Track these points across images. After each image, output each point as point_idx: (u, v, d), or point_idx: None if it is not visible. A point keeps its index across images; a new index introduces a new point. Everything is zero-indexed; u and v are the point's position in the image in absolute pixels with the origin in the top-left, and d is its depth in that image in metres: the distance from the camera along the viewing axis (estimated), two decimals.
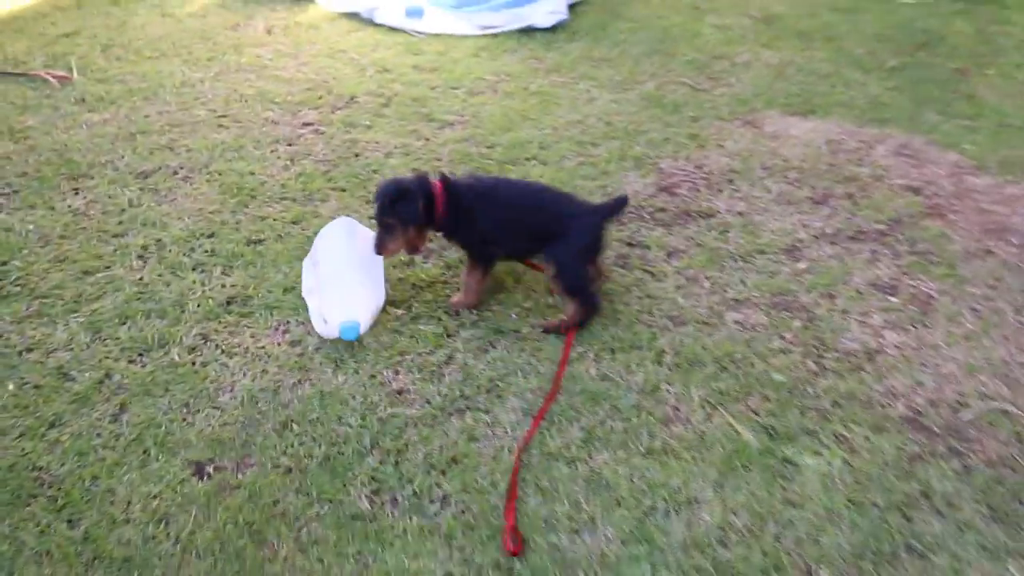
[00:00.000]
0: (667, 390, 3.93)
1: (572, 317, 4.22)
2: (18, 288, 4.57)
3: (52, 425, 3.70)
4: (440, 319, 4.34)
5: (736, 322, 4.37)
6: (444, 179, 4.15)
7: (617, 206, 4.26)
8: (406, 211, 4.03)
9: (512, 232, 4.19)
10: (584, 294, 4.18)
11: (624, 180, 5.60)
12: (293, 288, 4.50)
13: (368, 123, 6.33)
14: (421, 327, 4.28)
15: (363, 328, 4.12)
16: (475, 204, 4.13)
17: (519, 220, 4.16)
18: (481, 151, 5.95)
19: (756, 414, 3.81)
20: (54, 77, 7.35)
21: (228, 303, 4.41)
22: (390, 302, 4.41)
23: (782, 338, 4.26)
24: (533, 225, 4.15)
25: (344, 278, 4.21)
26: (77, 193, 5.46)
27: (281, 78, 7.20)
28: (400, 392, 3.89)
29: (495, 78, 7.19)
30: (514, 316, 4.38)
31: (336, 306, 4.10)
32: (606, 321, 4.33)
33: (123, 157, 5.88)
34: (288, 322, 4.29)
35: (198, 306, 4.39)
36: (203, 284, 4.55)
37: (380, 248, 4.08)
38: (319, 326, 4.13)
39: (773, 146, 6.05)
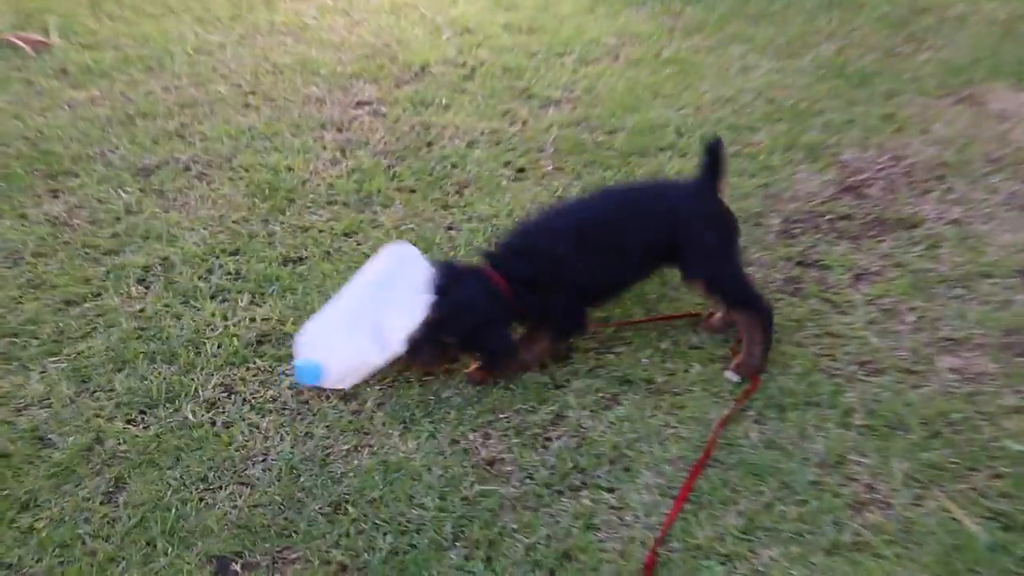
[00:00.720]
0: (858, 463, 3.87)
1: (756, 341, 4.27)
2: None
3: (25, 507, 3.76)
4: (544, 365, 4.34)
5: (952, 370, 4.30)
6: (490, 259, 4.21)
7: (713, 162, 4.23)
8: (493, 341, 4.16)
9: (615, 262, 4.22)
10: (754, 297, 4.27)
11: (794, 178, 5.56)
12: None
13: (444, 101, 6.39)
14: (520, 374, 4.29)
15: (328, 377, 4.20)
16: (554, 250, 4.15)
17: (619, 240, 4.17)
18: (597, 138, 5.97)
19: (983, 496, 3.73)
20: (26, 43, 7.56)
21: (258, 343, 4.46)
22: None
23: (1018, 392, 4.18)
24: (640, 238, 4.18)
25: (345, 310, 4.34)
26: (56, 196, 5.59)
27: (328, 42, 7.31)
28: (491, 463, 3.89)
29: (616, 41, 7.22)
30: (645, 361, 4.36)
31: (309, 337, 4.27)
32: (772, 368, 4.29)
33: (117, 148, 6.01)
34: None
35: (218, 347, 4.45)
36: (225, 318, 4.62)
37: (413, 359, 4.19)
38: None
39: (1001, 130, 5.96)
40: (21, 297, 4.81)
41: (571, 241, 4.17)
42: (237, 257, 5.02)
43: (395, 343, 4.25)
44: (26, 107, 6.64)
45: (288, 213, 5.33)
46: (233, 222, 5.27)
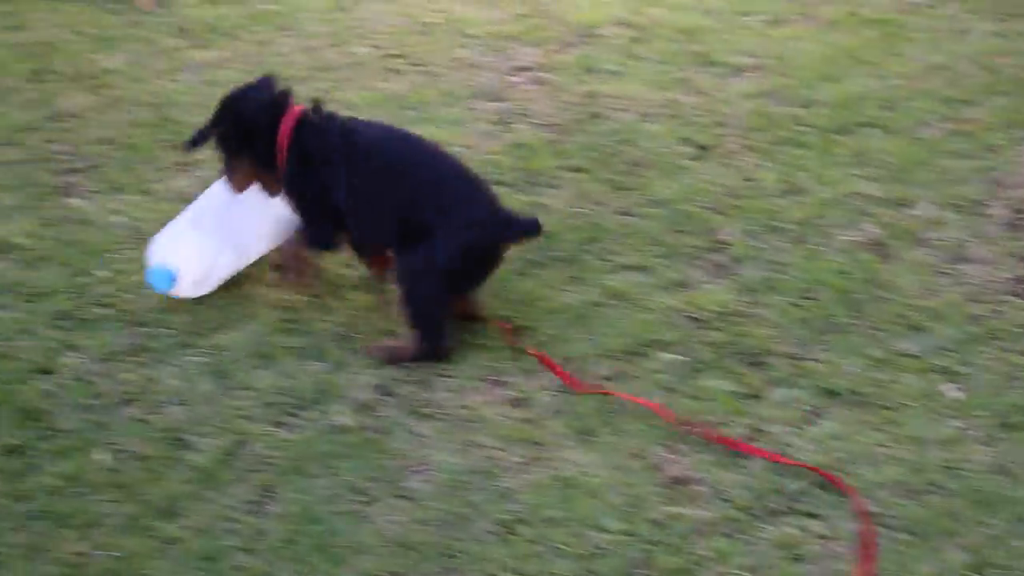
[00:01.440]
0: None
1: (401, 348, 4.51)
2: (106, 310, 4.85)
3: (164, 514, 3.89)
4: (738, 373, 4.38)
5: None
6: (312, 108, 4.63)
7: (519, 230, 4.54)
8: (221, 130, 4.63)
9: (373, 204, 4.52)
10: (429, 327, 4.49)
11: (1020, 160, 5.53)
12: (510, 320, 4.62)
13: (614, 68, 6.44)
14: (708, 382, 4.33)
15: (184, 284, 4.73)
16: (335, 150, 4.51)
17: (392, 187, 4.49)
18: (790, 111, 5.99)
19: None
20: None
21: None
22: (662, 345, 4.48)
23: None
24: (400, 200, 4.47)
25: (200, 212, 4.90)
26: (184, 170, 5.75)
27: None
28: (681, 482, 3.93)
29: None
30: (854, 369, 4.38)
31: (163, 240, 4.79)
32: (993, 378, 4.28)
33: None
34: (506, 370, 4.40)
35: (373, 342, 4.56)
36: (378, 309, 4.72)
37: (226, 178, 4.70)
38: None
39: None
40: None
41: (370, 156, 4.56)
42: None
43: (252, 248, 4.84)
44: (145, 69, 6.82)
45: None
46: None
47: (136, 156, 5.88)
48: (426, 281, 4.44)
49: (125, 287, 4.95)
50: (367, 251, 4.84)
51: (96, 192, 5.63)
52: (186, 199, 5.35)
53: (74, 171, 5.79)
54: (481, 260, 4.53)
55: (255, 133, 4.57)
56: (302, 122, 4.57)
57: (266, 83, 4.70)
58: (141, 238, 5.13)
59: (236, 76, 6.47)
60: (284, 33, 7.14)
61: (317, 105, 4.63)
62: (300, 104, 4.63)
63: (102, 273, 5.05)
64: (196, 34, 7.22)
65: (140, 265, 4.95)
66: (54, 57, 7.04)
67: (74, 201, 5.56)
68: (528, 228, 4.54)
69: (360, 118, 4.76)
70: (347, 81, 6.47)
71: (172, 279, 4.71)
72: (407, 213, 4.46)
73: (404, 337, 4.53)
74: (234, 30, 7.23)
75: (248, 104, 4.61)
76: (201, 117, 5.69)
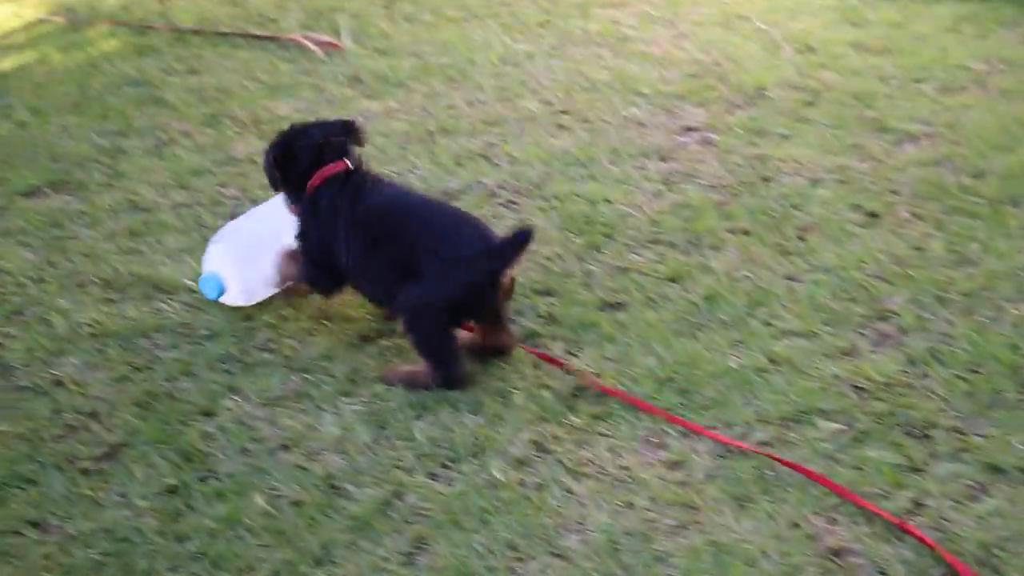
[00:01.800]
0: None
1: (418, 373, 4.69)
2: (269, 355, 4.93)
3: (319, 562, 3.92)
4: (901, 444, 4.32)
5: None
6: (355, 164, 4.96)
7: (509, 254, 4.62)
8: (275, 153, 4.98)
9: (372, 269, 4.81)
10: (439, 357, 4.67)
11: None
12: (672, 381, 4.61)
13: (784, 131, 6.42)
14: (870, 453, 4.28)
15: (232, 293, 5.12)
16: (340, 214, 4.81)
17: (385, 240, 4.75)
18: (961, 181, 5.92)
19: None
20: (316, 44, 7.90)
21: (574, 396, 4.57)
22: (824, 413, 4.44)
23: None
24: (396, 254, 4.71)
25: (253, 227, 5.35)
26: None
27: (650, 56, 7.42)
28: (838, 553, 3.88)
29: (984, 67, 7.14)
30: (1020, 447, 4.30)
31: (216, 249, 5.21)
32: None
33: (417, 168, 6.24)
34: (664, 432, 4.39)
35: (529, 398, 4.57)
36: (536, 366, 4.74)
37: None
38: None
39: None
40: (314, 330, 5.03)
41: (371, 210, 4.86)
42: (550, 298, 5.14)
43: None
44: (316, 116, 6.90)
45: (606, 251, 5.43)
46: (545, 258, 5.40)
47: None
48: (425, 317, 4.65)
49: (288, 332, 5.02)
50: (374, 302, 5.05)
51: None
52: None
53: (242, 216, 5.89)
54: (476, 292, 4.65)
55: (292, 169, 4.94)
56: (331, 178, 4.87)
57: (333, 127, 5.07)
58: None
59: (405, 127, 6.61)
60: (454, 86, 7.22)
61: (358, 165, 4.96)
62: (348, 160, 4.94)
63: (266, 317, 5.12)
64: (367, 84, 7.33)
65: (304, 312, 5.04)
66: (228, 102, 7.19)
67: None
68: (517, 243, 4.64)
69: (389, 182, 5.11)
70: (515, 136, 6.52)
71: (220, 288, 5.12)
72: (403, 270, 4.68)
73: (419, 363, 4.71)
74: (405, 81, 7.33)
75: (300, 140, 4.95)
76: (376, 168, 5.82)
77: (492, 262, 4.62)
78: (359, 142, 5.07)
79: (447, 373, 4.66)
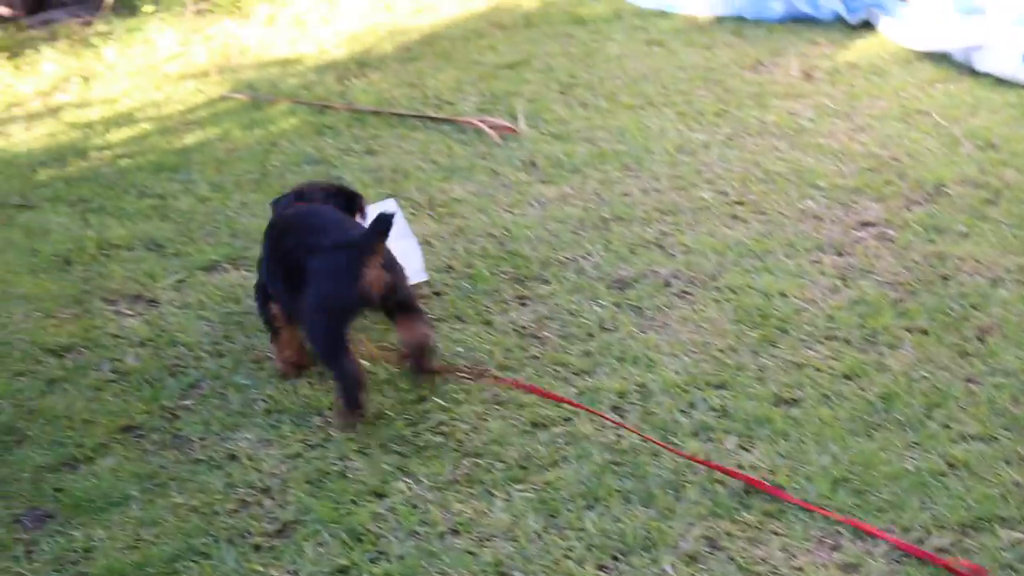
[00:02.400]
0: None
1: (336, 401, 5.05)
2: (441, 438, 4.97)
3: None
4: None
5: None
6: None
7: (369, 235, 4.91)
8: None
9: (274, 271, 5.25)
10: (334, 364, 4.97)
11: None
12: (847, 481, 4.55)
13: (964, 229, 6.34)
14: None
15: None
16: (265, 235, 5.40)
17: (275, 251, 5.25)
18: None
19: None
20: (493, 128, 7.99)
21: (746, 492, 4.53)
22: (1005, 521, 4.36)
23: None
24: (284, 260, 5.14)
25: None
26: (524, 304, 5.88)
27: (826, 149, 7.39)
28: None
29: None
30: None
31: None
32: None
33: (591, 255, 6.26)
34: (838, 532, 4.34)
35: (702, 493, 4.54)
36: (708, 456, 4.71)
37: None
38: None
39: None
40: (485, 414, 5.06)
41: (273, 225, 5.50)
42: (722, 391, 5.12)
43: None
44: (492, 200, 7.00)
45: (780, 345, 5.40)
46: (718, 350, 5.38)
47: (477, 286, 6.02)
48: (313, 322, 5.02)
49: (460, 416, 5.05)
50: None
51: (438, 320, 5.77)
52: (527, 333, 5.47)
53: (420, 297, 5.95)
54: (342, 283, 4.90)
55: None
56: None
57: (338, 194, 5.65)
58: (482, 369, 5.25)
59: (579, 213, 6.64)
60: (629, 173, 7.25)
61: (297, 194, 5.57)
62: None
63: (438, 400, 5.15)
64: (542, 169, 7.39)
65: (475, 396, 5.08)
66: (404, 183, 7.29)
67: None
68: (375, 230, 4.88)
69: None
70: (689, 225, 6.52)
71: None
72: (291, 267, 5.05)
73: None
74: (581, 167, 7.37)
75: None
76: (544, 252, 5.89)
77: (350, 250, 4.90)
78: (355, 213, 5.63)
79: (341, 371, 4.95)
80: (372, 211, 5.63)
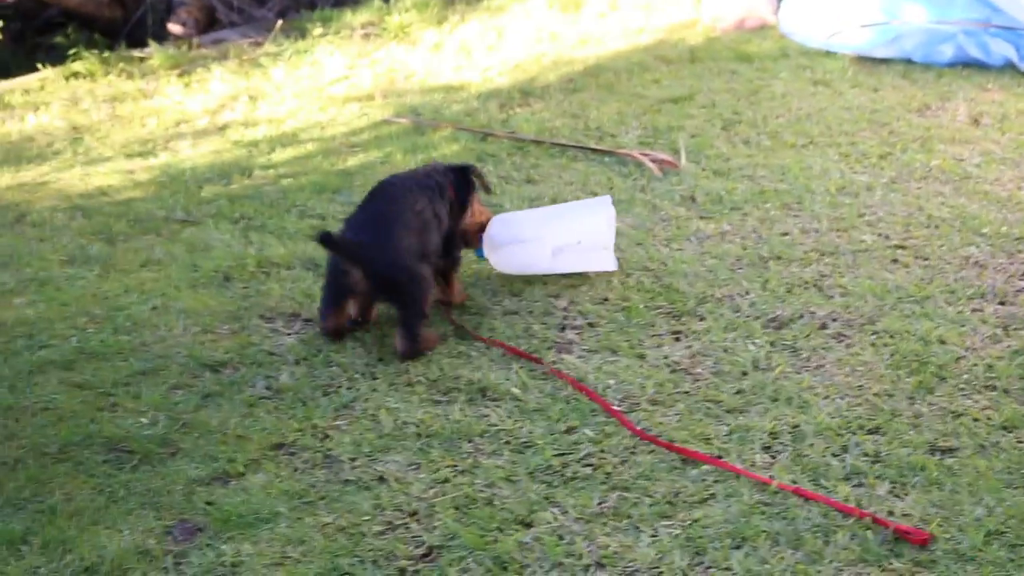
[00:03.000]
0: None
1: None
2: (589, 469, 4.98)
3: None
4: None
5: None
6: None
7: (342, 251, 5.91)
8: None
9: None
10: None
11: None
12: (1001, 534, 4.48)
13: None
14: None
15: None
16: None
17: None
18: None
19: None
20: (654, 161, 8.00)
21: (895, 541, 4.48)
22: None
23: None
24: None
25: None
26: (678, 339, 5.88)
27: (992, 196, 7.30)
28: None
29: None
30: None
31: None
32: None
33: (748, 293, 6.24)
34: None
35: (851, 538, 4.49)
36: (859, 505, 4.66)
37: None
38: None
39: None
40: (636, 448, 5.06)
41: None
42: (876, 436, 5.06)
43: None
44: (650, 234, 7.01)
45: (938, 392, 5.33)
46: (874, 395, 5.32)
47: (631, 320, 6.03)
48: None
49: (610, 449, 5.06)
50: None
51: (590, 351, 5.80)
52: (679, 368, 5.47)
53: (572, 327, 5.97)
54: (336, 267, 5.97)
55: None
56: None
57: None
58: (634, 402, 5.26)
59: (737, 250, 6.63)
60: (789, 212, 7.22)
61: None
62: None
63: (588, 431, 5.16)
64: (702, 204, 7.39)
65: (624, 430, 5.08)
66: None
67: (569, 358, 5.72)
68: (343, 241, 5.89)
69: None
70: (848, 267, 6.47)
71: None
72: None
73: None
74: (740, 204, 7.35)
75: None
76: (701, 288, 5.91)
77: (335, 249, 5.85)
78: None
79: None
80: (586, 207, 6.75)
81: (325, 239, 5.65)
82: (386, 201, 6.04)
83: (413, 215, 5.95)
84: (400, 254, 5.83)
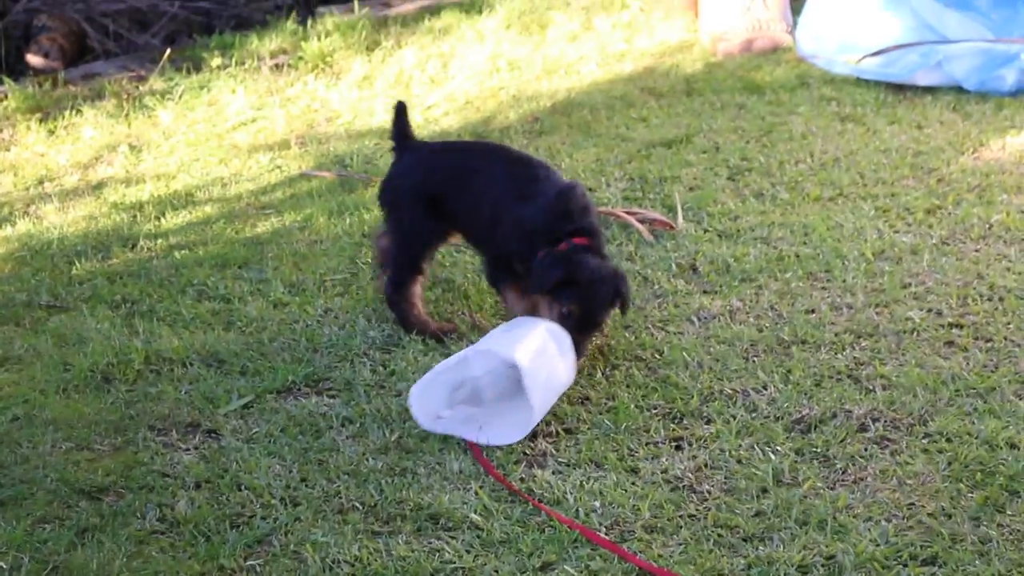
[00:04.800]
0: None
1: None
2: None
3: None
4: None
5: None
6: None
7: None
8: None
9: None
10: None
11: None
12: None
13: None
14: None
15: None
16: None
17: None
18: None
19: None
20: (643, 222, 8.05)
21: None
22: None
23: None
24: None
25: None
26: (679, 447, 5.87)
27: None
28: None
29: None
30: None
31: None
32: None
33: (766, 387, 6.24)
34: None
35: None
36: None
37: None
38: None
39: None
40: (608, 570, 5.03)
41: None
42: (933, 568, 5.04)
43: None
44: (640, 314, 7.01)
45: (1008, 511, 5.31)
46: (928, 515, 5.31)
47: (620, 424, 6.00)
48: None
49: None
50: None
51: (569, 465, 5.77)
52: (682, 485, 5.46)
53: (544, 435, 5.96)
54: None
55: None
56: None
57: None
58: (625, 529, 5.24)
59: (752, 333, 6.64)
60: (814, 283, 7.22)
61: None
62: None
63: (571, 569, 5.13)
64: (706, 275, 7.39)
65: (615, 565, 5.06)
66: None
67: (541, 474, 5.69)
68: None
69: None
70: (891, 352, 6.47)
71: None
72: None
73: None
74: (754, 274, 7.35)
75: None
76: (706, 382, 5.93)
77: None
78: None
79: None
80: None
81: None
82: None
83: None
84: None
